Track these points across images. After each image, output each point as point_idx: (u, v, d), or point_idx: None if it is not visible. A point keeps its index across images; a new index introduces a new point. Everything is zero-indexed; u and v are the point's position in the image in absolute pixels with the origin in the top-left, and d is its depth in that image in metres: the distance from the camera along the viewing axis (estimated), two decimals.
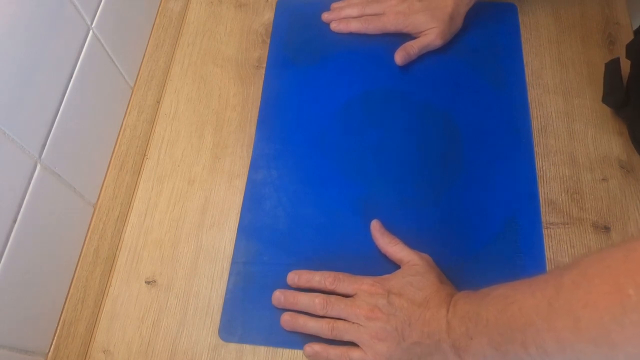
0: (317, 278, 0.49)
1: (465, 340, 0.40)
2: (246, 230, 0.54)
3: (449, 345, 0.42)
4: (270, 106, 0.60)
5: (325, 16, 0.65)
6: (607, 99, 0.56)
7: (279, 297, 0.50)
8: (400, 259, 0.49)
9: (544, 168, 0.55)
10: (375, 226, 0.52)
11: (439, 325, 0.42)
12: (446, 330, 0.42)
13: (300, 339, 0.48)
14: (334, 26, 0.64)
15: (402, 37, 0.62)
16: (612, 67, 0.56)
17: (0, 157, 0.38)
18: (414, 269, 0.47)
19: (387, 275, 0.48)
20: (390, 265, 0.50)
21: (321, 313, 0.47)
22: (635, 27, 0.61)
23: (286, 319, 0.49)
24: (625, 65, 0.56)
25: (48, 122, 0.44)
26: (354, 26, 0.63)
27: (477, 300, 0.41)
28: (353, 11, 0.64)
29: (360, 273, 0.49)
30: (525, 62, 0.61)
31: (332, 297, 0.47)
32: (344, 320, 0.46)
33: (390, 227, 0.52)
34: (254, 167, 0.57)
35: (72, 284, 0.49)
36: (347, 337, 0.46)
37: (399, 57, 0.60)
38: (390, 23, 0.62)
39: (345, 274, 0.49)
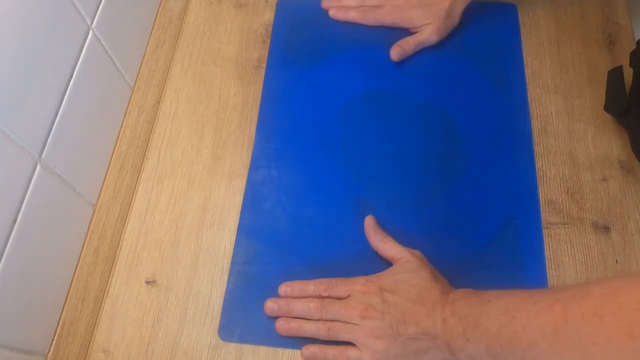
0: (311, 287, 0.48)
1: (461, 340, 0.41)
2: (246, 230, 0.54)
3: (443, 342, 0.42)
4: (270, 106, 0.60)
5: (325, 3, 0.65)
6: (609, 106, 0.56)
7: (271, 306, 0.49)
8: (392, 257, 0.49)
9: (544, 168, 0.55)
10: (369, 223, 0.52)
11: (434, 323, 0.43)
12: (442, 327, 0.42)
13: (299, 339, 0.48)
14: (332, 13, 0.64)
15: (402, 36, 0.62)
16: (615, 75, 0.56)
17: (0, 157, 0.38)
18: (406, 265, 0.47)
19: (379, 273, 0.48)
20: (390, 264, 0.50)
21: (316, 317, 0.47)
22: (635, 27, 0.62)
23: (281, 324, 0.48)
24: (629, 74, 0.55)
25: (48, 122, 0.44)
26: (352, 15, 0.64)
27: (477, 305, 0.41)
28: (352, 1, 0.64)
29: (361, 273, 0.49)
30: (525, 62, 0.61)
31: (326, 300, 0.47)
32: (340, 321, 0.46)
33: (390, 227, 0.52)
34: (254, 167, 0.57)
35: (72, 284, 0.49)
36: (343, 337, 0.46)
37: (395, 52, 0.60)
38: (387, 16, 0.62)
39: (338, 278, 0.49)
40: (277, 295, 0.50)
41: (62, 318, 0.48)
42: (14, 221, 0.40)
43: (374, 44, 0.63)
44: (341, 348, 0.46)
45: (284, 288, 0.50)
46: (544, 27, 0.63)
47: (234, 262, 0.53)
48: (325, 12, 0.65)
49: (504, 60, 0.61)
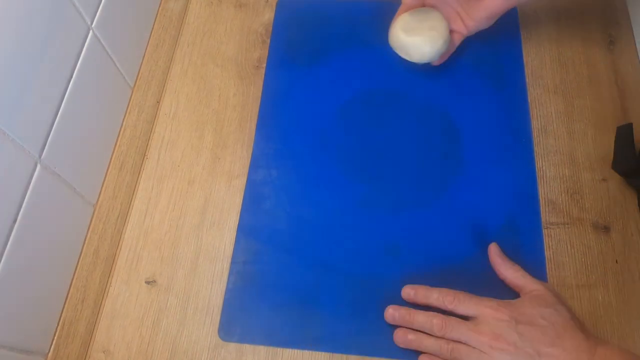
0: (435, 295, 0.46)
1: None
2: (246, 230, 0.54)
3: None
4: (270, 106, 0.60)
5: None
6: (617, 165, 0.53)
7: (392, 314, 0.47)
8: (521, 286, 0.47)
9: (544, 168, 0.55)
10: (495, 250, 0.50)
11: None
12: None
13: (300, 339, 0.48)
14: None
15: None
16: (624, 132, 0.52)
17: (0, 157, 0.38)
18: (543, 299, 0.44)
19: (510, 301, 0.45)
20: (391, 264, 0.50)
21: (439, 334, 0.45)
22: (635, 27, 0.62)
23: (400, 335, 0.46)
24: (639, 131, 0.53)
25: (48, 122, 0.44)
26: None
27: None
28: None
29: (360, 272, 0.49)
30: (525, 62, 0.61)
31: (452, 319, 0.45)
32: (465, 344, 0.44)
33: (390, 227, 0.52)
34: (254, 167, 0.57)
35: (72, 284, 0.49)
36: None
37: None
38: None
39: (465, 294, 0.46)
40: (277, 295, 0.50)
41: (62, 318, 0.48)
42: (14, 221, 0.40)
43: (374, 44, 0.63)
44: None
45: (407, 290, 0.48)
46: (544, 27, 0.63)
47: (234, 262, 0.53)
48: (325, 12, 0.65)
49: (504, 60, 0.61)
